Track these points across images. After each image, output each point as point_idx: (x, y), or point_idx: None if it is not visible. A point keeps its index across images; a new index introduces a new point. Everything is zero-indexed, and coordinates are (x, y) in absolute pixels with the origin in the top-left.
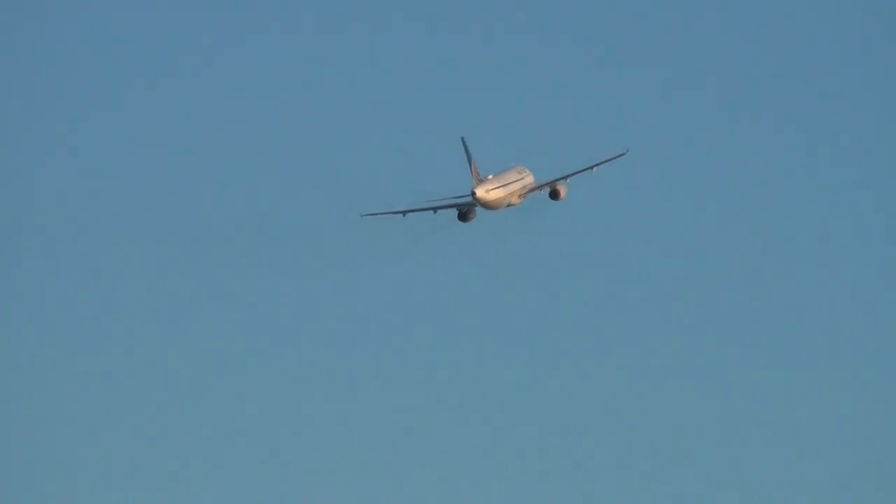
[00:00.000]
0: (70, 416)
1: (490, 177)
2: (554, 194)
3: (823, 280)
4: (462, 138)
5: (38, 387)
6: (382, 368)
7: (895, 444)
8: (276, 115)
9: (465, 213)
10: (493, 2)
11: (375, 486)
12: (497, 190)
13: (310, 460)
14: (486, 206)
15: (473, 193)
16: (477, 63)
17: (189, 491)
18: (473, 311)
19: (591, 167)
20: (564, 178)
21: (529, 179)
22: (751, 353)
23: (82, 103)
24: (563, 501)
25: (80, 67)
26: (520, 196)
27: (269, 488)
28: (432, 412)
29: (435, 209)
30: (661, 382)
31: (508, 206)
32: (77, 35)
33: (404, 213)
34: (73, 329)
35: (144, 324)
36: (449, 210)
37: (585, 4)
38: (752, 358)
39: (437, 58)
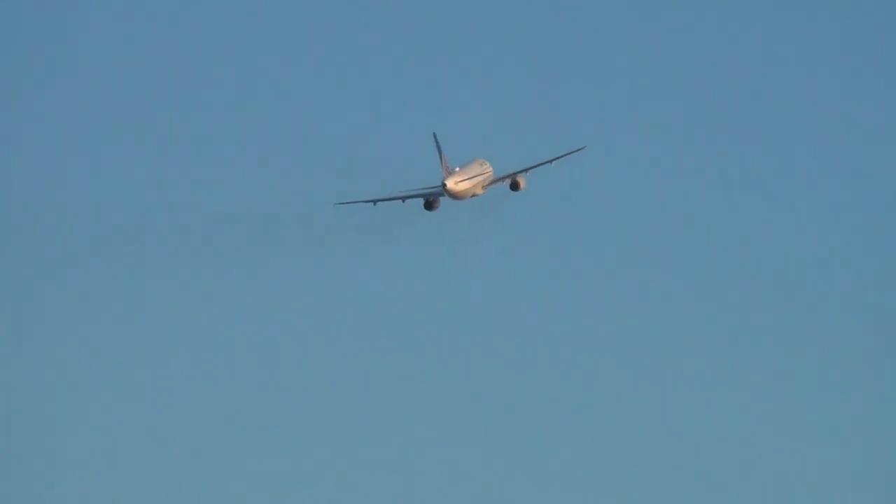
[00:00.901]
0: (62, 413)
1: (457, 169)
2: (514, 185)
3: (787, 272)
4: (434, 134)
5: (35, 386)
6: (356, 355)
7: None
8: (255, 106)
9: (430, 203)
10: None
11: (351, 473)
12: (465, 182)
13: (284, 450)
14: (454, 196)
15: (444, 185)
16: (447, 59)
17: (170, 484)
18: (444, 296)
19: (550, 160)
20: (524, 170)
21: (490, 171)
22: (711, 339)
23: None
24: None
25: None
26: (483, 187)
27: (242, 474)
28: (406, 401)
29: (403, 198)
30: (627, 368)
31: (473, 196)
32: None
33: (375, 202)
34: (53, 322)
35: (121, 316)
36: (415, 199)
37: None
38: (713, 344)
39: (411, 54)
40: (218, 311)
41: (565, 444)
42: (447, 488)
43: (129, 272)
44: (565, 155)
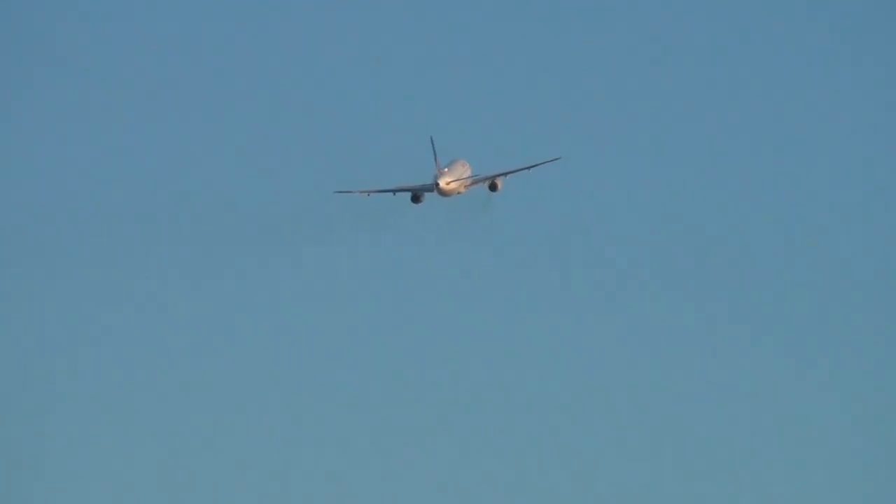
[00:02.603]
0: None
1: (445, 170)
2: (493, 187)
3: (770, 273)
4: (431, 138)
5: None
6: (346, 346)
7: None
8: (254, 104)
9: (417, 197)
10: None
11: (343, 467)
12: (454, 182)
13: (278, 441)
14: (443, 194)
15: (437, 184)
16: (443, 58)
17: (172, 481)
18: (428, 284)
19: (528, 167)
20: (503, 174)
21: (470, 172)
22: (694, 337)
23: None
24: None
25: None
26: (466, 187)
27: (236, 469)
28: (395, 393)
29: (395, 191)
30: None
31: (457, 194)
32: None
33: (369, 192)
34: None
35: (114, 309)
36: (403, 193)
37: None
38: (697, 341)
39: (408, 53)
40: (208, 303)
41: (549, 432)
42: (435, 482)
43: (122, 267)
44: (542, 163)
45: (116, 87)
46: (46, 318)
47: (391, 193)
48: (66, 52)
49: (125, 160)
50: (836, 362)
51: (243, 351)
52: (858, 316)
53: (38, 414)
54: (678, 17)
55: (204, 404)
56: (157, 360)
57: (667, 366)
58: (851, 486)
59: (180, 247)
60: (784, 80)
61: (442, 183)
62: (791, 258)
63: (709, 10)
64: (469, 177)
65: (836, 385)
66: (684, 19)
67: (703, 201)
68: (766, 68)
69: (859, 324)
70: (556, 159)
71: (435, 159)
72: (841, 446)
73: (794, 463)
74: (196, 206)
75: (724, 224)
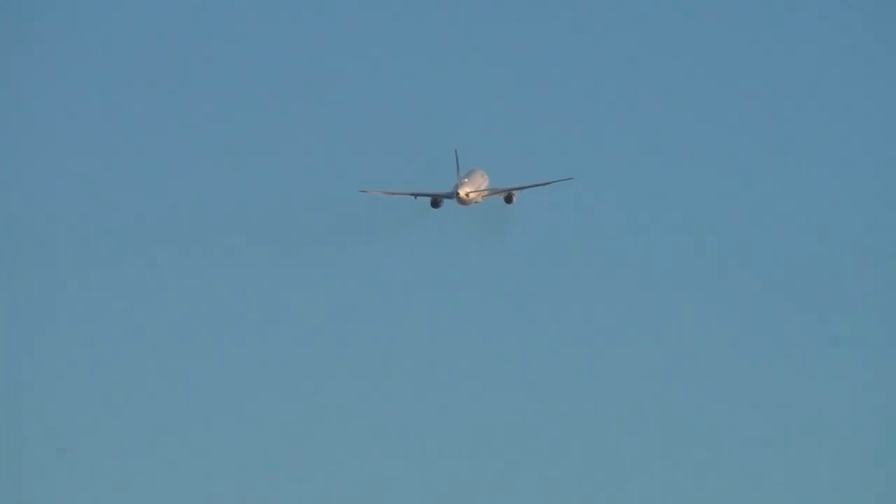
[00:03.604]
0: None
1: (465, 179)
2: (508, 199)
3: (783, 297)
4: (455, 151)
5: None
6: (356, 351)
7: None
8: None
9: (436, 202)
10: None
11: (349, 467)
12: (474, 193)
13: (279, 444)
14: (461, 202)
15: (457, 193)
16: (462, 66)
17: (177, 477)
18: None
19: (543, 184)
20: (519, 188)
21: (487, 181)
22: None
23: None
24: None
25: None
26: (483, 197)
27: (252, 473)
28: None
29: (416, 195)
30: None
31: (475, 203)
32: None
33: (391, 194)
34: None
35: (126, 307)
36: (423, 197)
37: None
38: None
39: (430, 59)
40: (223, 303)
41: (558, 439)
42: (441, 485)
43: (134, 268)
44: (556, 181)
45: (133, 87)
46: (51, 320)
47: (412, 196)
48: (78, 49)
49: (140, 161)
50: (840, 365)
51: (252, 351)
52: (860, 317)
53: (39, 414)
54: (704, 37)
55: (217, 407)
56: (171, 363)
57: (681, 378)
58: (853, 487)
59: (198, 246)
60: (812, 100)
61: (461, 192)
62: (804, 268)
63: (738, 28)
64: (487, 188)
65: (841, 386)
66: (709, 39)
67: (719, 215)
68: (790, 84)
69: (862, 325)
70: (569, 179)
71: (457, 170)
72: (844, 447)
73: (805, 464)
74: (206, 206)
75: (741, 238)
